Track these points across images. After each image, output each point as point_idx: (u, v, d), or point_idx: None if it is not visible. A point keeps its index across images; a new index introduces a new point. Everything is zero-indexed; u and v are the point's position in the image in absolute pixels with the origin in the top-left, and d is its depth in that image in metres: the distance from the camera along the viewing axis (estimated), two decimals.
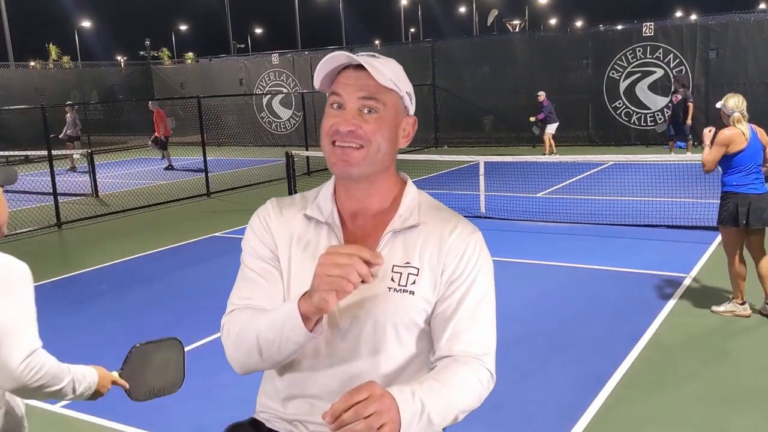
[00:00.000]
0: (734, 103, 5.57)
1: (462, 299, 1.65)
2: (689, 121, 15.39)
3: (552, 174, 13.65)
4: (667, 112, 16.45)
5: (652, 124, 18.59)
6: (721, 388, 4.61)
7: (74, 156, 19.24)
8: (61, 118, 23.57)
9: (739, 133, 5.48)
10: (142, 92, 28.17)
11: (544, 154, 16.49)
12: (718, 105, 5.77)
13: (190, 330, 6.07)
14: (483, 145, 20.62)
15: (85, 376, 2.21)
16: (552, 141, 17.04)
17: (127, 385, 2.36)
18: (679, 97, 15.51)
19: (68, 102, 22.09)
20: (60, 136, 18.79)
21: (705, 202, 10.10)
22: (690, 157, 10.87)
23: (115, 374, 2.38)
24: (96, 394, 2.28)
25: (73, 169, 19.02)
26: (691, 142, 15.75)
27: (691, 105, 15.68)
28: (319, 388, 1.69)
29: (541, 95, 17.02)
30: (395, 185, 1.80)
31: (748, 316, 5.76)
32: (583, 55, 19.79)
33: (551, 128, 16.96)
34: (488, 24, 48.83)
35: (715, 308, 5.90)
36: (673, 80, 16.44)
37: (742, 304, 5.80)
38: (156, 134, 18.82)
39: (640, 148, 17.83)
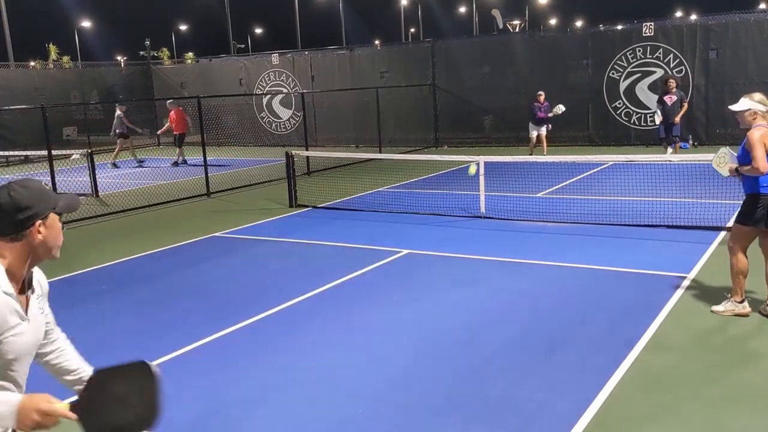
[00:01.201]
0: (764, 99, 5.56)
1: None
2: (678, 120, 15.32)
3: (552, 174, 13.65)
4: (657, 115, 15.86)
5: (652, 123, 18.58)
6: (721, 388, 4.61)
7: (74, 157, 19.26)
8: (62, 118, 23.65)
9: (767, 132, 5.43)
10: (142, 92, 28.15)
11: (543, 154, 16.54)
12: (740, 108, 5.65)
13: (190, 330, 6.07)
14: (483, 145, 20.61)
15: None
16: (534, 141, 17.49)
17: (75, 417, 2.10)
18: (674, 98, 15.35)
19: (119, 100, 23.27)
20: (110, 134, 20.59)
21: (705, 202, 10.10)
22: (691, 157, 10.88)
23: (63, 405, 2.12)
24: (20, 424, 2.08)
25: (140, 162, 20.55)
26: (679, 144, 15.73)
27: (685, 105, 15.67)
28: None
29: (542, 94, 17.26)
30: None
31: (748, 315, 5.77)
32: (583, 55, 19.79)
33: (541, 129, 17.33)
34: (501, 27, 48.64)
35: (714, 308, 5.90)
36: (666, 81, 16.09)
37: (741, 302, 5.81)
38: (175, 132, 19.70)
39: (640, 148, 17.83)
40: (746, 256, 5.75)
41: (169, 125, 20.16)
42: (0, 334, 2.16)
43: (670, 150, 15.57)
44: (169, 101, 20.62)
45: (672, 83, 15.66)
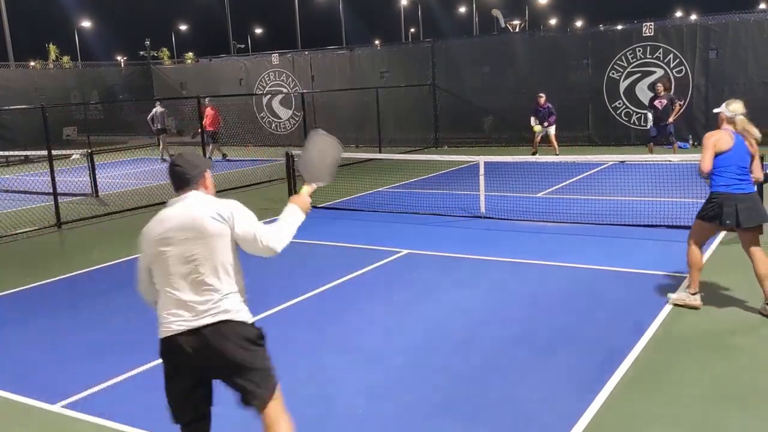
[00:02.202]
0: (736, 107, 5.84)
1: None
2: (671, 119, 15.14)
3: (552, 174, 13.65)
4: (648, 116, 15.77)
5: (644, 125, 18.65)
6: (721, 388, 4.62)
7: (74, 157, 19.28)
8: (62, 118, 23.77)
9: (723, 135, 5.77)
10: (142, 92, 28.16)
11: (556, 153, 16.43)
12: (719, 110, 5.95)
13: None
14: (483, 145, 20.61)
15: (289, 219, 3.63)
16: (538, 139, 17.50)
17: (315, 186, 3.82)
18: (665, 101, 15.05)
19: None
20: (154, 130, 21.57)
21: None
22: (691, 157, 10.86)
23: (305, 190, 3.79)
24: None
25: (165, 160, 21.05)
26: (676, 144, 15.64)
27: (677, 106, 15.48)
28: None
29: (543, 96, 17.20)
30: None
31: (698, 308, 5.94)
32: (583, 55, 19.79)
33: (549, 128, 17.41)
34: (503, 26, 48.74)
35: (670, 296, 6.15)
36: (654, 86, 15.72)
37: (694, 294, 5.99)
38: (208, 128, 20.10)
39: (640, 148, 17.79)
40: (701, 251, 6.02)
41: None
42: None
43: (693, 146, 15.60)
44: (207, 99, 20.90)
45: (660, 87, 15.35)
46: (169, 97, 24.95)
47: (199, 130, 16.30)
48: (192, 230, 3.39)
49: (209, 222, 3.37)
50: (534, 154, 16.43)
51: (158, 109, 21.36)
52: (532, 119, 17.33)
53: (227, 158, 20.31)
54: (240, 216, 3.45)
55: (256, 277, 7.83)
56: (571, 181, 13.39)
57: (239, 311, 3.54)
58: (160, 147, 21.29)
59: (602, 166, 14.64)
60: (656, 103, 15.25)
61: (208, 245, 3.38)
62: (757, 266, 5.74)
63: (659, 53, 18.48)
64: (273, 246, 3.45)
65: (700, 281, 6.05)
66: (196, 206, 3.44)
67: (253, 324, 3.56)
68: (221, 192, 14.24)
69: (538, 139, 17.40)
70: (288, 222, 3.57)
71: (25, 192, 14.89)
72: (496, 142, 20.62)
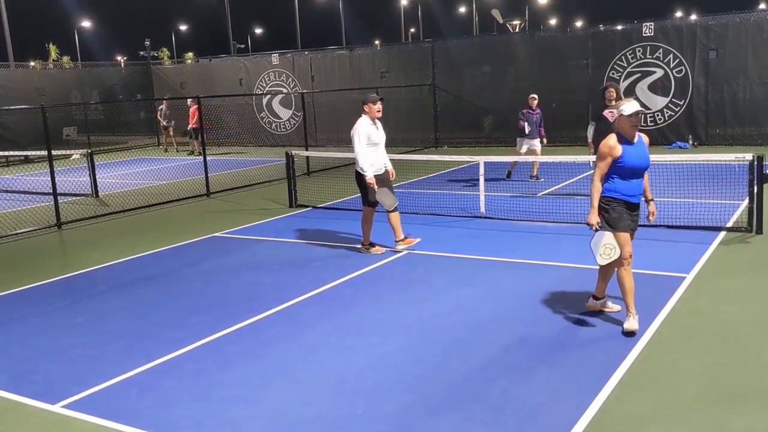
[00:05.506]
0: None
1: None
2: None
3: (552, 174, 13.65)
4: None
5: (652, 123, 18.69)
6: (721, 388, 4.61)
7: (74, 157, 19.31)
8: (62, 118, 23.99)
9: None
10: (142, 92, 28.16)
11: (534, 175, 13.48)
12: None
13: (190, 330, 6.07)
14: (483, 145, 20.61)
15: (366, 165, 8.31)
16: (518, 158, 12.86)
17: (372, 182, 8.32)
18: (615, 112, 10.78)
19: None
20: (163, 125, 24.31)
21: (705, 202, 10.10)
22: (691, 157, 10.85)
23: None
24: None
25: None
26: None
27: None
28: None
29: (536, 98, 13.72)
30: None
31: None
32: (583, 55, 19.78)
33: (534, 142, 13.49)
34: (501, 22, 48.90)
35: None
36: (605, 91, 11.14)
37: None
38: (191, 125, 22.08)
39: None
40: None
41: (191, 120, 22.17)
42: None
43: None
44: (189, 99, 22.03)
45: (612, 93, 10.93)
46: (170, 97, 24.97)
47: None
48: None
49: (352, 132, 8.26)
50: (509, 175, 13.75)
51: (162, 107, 23.78)
52: (526, 126, 13.33)
53: (192, 156, 21.49)
54: (354, 135, 8.18)
55: (256, 277, 7.86)
56: (571, 181, 13.38)
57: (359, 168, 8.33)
58: (167, 139, 24.41)
59: None
60: (607, 114, 10.58)
61: (353, 142, 8.25)
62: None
63: (659, 53, 18.48)
64: (356, 152, 8.26)
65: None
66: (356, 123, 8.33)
67: (359, 173, 8.37)
68: (221, 192, 14.30)
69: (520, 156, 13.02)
70: (364, 162, 8.24)
71: (25, 192, 14.90)
72: (496, 142, 20.62)
